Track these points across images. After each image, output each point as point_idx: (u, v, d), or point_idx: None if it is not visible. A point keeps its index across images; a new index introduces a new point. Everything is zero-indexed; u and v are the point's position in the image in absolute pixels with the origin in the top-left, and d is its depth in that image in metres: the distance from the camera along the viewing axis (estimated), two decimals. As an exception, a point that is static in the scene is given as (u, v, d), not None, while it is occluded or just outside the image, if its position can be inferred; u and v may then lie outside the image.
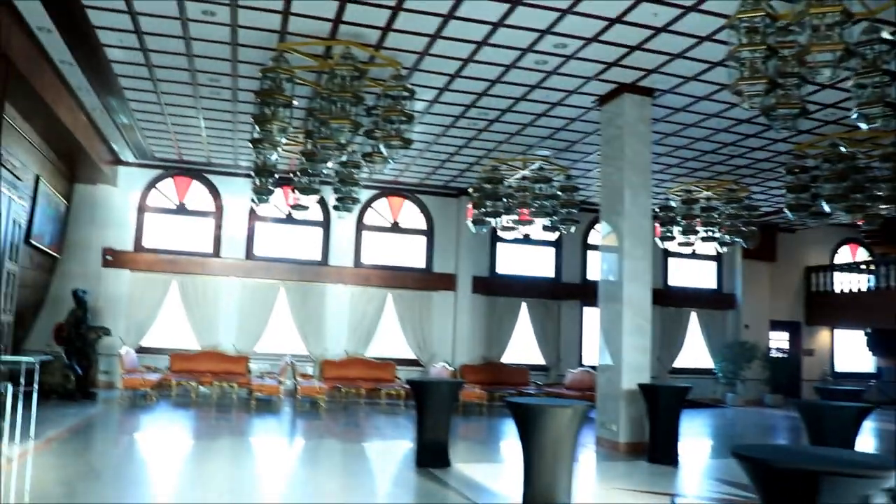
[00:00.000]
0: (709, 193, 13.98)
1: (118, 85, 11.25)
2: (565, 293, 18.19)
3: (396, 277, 17.06)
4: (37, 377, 8.83)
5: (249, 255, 16.49)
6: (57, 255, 14.72)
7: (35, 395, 8.79)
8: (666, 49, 9.12)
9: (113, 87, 11.33)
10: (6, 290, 11.46)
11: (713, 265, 20.02)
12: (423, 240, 17.66)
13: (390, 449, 10.64)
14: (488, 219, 12.81)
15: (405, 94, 8.76)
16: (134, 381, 13.72)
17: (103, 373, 14.51)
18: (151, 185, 16.21)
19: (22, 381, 8.54)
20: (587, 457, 9.86)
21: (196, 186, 16.48)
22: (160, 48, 9.71)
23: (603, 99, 10.87)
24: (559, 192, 12.68)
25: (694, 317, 19.29)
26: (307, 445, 10.85)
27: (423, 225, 17.66)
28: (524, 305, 17.77)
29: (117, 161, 15.66)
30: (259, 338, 16.03)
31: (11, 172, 10.99)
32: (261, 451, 10.09)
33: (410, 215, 17.63)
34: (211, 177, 16.41)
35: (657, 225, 13.83)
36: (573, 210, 12.75)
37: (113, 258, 15.60)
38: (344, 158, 10.44)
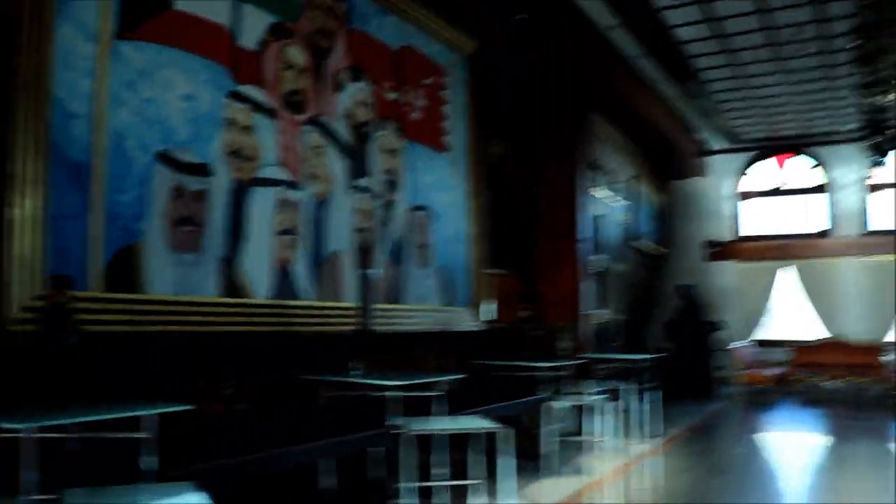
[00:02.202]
0: None
1: (692, 67, 10.58)
2: None
3: None
4: (652, 374, 8.63)
5: (867, 230, 14.30)
6: (662, 253, 14.72)
7: (653, 393, 8.59)
8: None
9: (687, 70, 10.70)
10: (616, 290, 11.68)
11: None
12: None
13: None
14: None
15: None
16: (752, 377, 12.87)
17: (718, 368, 13.91)
18: (744, 168, 15.21)
19: (639, 379, 8.40)
20: None
21: (794, 162, 14.94)
22: (727, 12, 8.73)
23: None
24: None
25: None
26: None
27: None
28: None
29: (706, 151, 15.06)
30: (891, 325, 13.68)
31: (608, 177, 11.18)
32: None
33: None
34: (810, 149, 14.71)
35: None
36: None
37: (715, 250, 15.00)
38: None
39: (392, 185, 6.92)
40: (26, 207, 3.94)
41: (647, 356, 8.72)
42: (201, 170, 5.03)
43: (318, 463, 4.70)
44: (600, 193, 10.74)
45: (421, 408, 5.20)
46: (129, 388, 3.77)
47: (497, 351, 7.52)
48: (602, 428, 7.39)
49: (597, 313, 10.40)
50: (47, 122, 4.07)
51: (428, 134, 7.29)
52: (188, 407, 3.36)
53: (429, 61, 7.35)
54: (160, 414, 3.23)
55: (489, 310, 7.97)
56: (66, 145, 4.18)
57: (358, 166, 6.50)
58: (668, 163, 14.43)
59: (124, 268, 4.49)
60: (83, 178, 4.27)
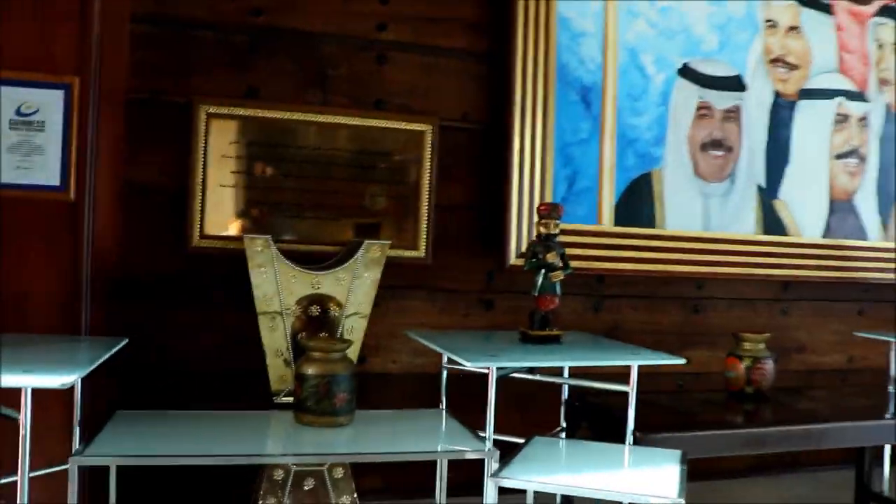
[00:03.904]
0: None
1: None
2: None
3: None
4: None
5: None
6: None
7: None
8: None
9: None
10: None
11: None
12: None
13: None
14: None
15: None
16: None
17: None
18: None
19: None
20: None
21: None
22: None
23: None
24: None
25: None
26: None
27: None
28: None
29: None
30: None
31: None
32: None
33: None
34: None
35: None
36: None
37: None
38: None
39: None
40: (532, 136, 3.74)
41: None
42: (733, 83, 4.29)
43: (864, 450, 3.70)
44: None
45: None
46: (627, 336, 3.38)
47: None
48: None
49: None
50: (553, 44, 3.80)
51: None
52: (682, 361, 2.79)
53: None
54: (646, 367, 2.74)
55: None
56: (574, 67, 3.88)
57: (955, 64, 4.96)
58: None
59: (640, 199, 4.05)
60: (593, 100, 3.93)
